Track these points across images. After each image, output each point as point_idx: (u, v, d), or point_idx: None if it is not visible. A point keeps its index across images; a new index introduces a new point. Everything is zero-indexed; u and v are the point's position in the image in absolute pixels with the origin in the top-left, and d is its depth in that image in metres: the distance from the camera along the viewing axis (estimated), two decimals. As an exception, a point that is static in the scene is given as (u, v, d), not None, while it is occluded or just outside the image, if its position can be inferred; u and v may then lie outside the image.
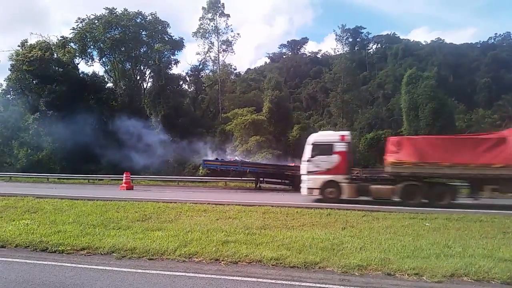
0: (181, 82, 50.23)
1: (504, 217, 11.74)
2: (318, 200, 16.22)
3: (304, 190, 16.74)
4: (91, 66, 72.80)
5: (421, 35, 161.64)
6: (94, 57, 47.54)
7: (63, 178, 31.47)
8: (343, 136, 16.76)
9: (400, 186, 15.30)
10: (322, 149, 16.49)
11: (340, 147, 16.32)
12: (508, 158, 14.18)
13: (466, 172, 14.64)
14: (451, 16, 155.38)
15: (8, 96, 45.28)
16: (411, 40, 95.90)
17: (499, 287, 6.08)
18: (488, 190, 14.67)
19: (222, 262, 7.16)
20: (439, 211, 13.05)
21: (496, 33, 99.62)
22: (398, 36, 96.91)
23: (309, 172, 16.53)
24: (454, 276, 6.38)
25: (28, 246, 8.27)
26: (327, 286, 5.97)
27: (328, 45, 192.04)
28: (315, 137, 17.22)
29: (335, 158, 16.23)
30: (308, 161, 16.61)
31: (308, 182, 16.52)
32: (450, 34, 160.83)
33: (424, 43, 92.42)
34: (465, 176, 15.08)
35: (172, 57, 47.67)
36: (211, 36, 48.82)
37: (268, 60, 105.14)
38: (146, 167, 33.26)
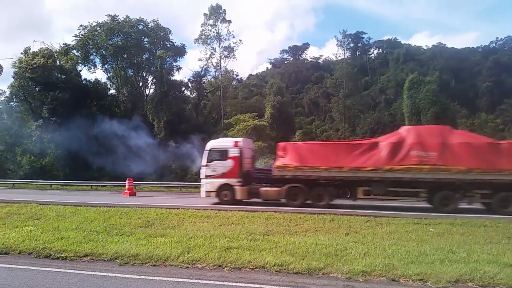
0: (183, 88, 50.34)
1: (508, 222, 11.70)
2: (216, 203, 17.17)
3: (202, 193, 17.97)
4: (94, 73, 73.34)
5: (423, 40, 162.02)
6: (97, 64, 47.82)
7: (66, 185, 31.56)
8: (236, 142, 18.03)
9: (284, 188, 16.54)
10: (218, 154, 17.76)
11: (233, 152, 17.54)
12: (378, 162, 15.38)
13: (340, 174, 15.82)
14: (452, 21, 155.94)
15: (11, 103, 45.56)
16: (412, 45, 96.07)
17: (505, 293, 6.02)
18: (361, 191, 15.79)
19: (225, 268, 7.13)
20: (443, 216, 13.02)
21: (497, 37, 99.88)
22: (399, 41, 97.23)
23: (207, 176, 17.77)
24: (459, 281, 6.33)
25: (32, 252, 8.26)
26: (331, 292, 5.94)
27: (329, 50, 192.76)
28: (212, 144, 18.53)
29: (229, 163, 17.45)
30: (205, 166, 17.85)
31: (206, 185, 17.79)
32: (451, 38, 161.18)
33: (425, 48, 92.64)
34: (340, 178, 16.02)
35: (174, 64, 47.86)
36: (213, 42, 49.00)
37: (269, 66, 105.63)
38: (149, 173, 33.29)
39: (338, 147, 17.09)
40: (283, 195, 16.60)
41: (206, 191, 17.71)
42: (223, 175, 17.42)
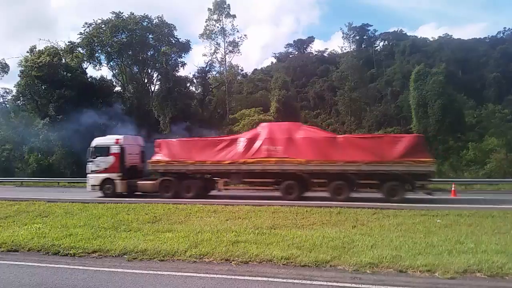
0: (188, 84, 50.26)
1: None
2: (102, 196, 18.53)
3: (88, 187, 19.43)
4: (99, 71, 73.25)
5: (429, 31, 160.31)
6: (102, 61, 47.75)
7: (73, 182, 31.73)
8: (117, 139, 19.34)
9: (158, 181, 18.18)
10: (101, 151, 19.15)
11: (115, 149, 19.03)
12: (235, 156, 17.12)
13: (204, 168, 17.68)
14: (459, 11, 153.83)
15: (18, 102, 45.77)
16: (419, 37, 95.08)
17: (514, 283, 5.98)
18: (221, 182, 17.77)
19: (233, 262, 7.16)
20: (449, 207, 12.97)
21: (505, 27, 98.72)
22: (405, 33, 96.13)
23: (92, 171, 19.23)
24: (467, 272, 6.31)
25: (40, 249, 8.35)
26: (338, 284, 5.93)
27: (335, 43, 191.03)
28: (96, 141, 19.74)
29: (111, 159, 18.95)
30: (90, 161, 19.26)
31: (91, 180, 19.26)
32: (458, 29, 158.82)
33: (431, 39, 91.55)
34: (204, 171, 17.92)
35: (179, 60, 47.70)
36: (217, 37, 48.75)
37: (274, 60, 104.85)
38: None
39: (203, 143, 18.42)
40: (157, 188, 18.13)
41: (92, 185, 19.20)
42: (105, 170, 18.93)
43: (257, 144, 17.06)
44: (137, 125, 31.58)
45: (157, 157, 18.34)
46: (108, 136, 20.41)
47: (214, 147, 17.68)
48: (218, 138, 19.21)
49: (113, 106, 37.20)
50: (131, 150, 19.54)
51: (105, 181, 18.81)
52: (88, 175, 19.41)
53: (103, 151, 19.05)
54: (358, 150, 15.83)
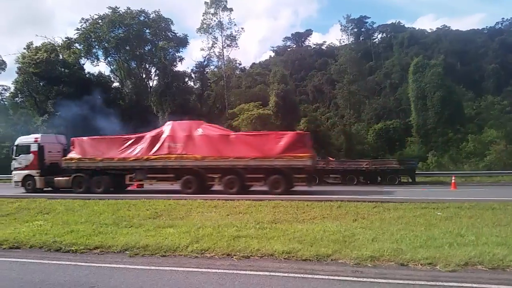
0: (186, 79, 50.21)
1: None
2: (24, 192, 19.62)
3: (13, 183, 20.65)
4: (97, 66, 73.19)
5: (427, 23, 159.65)
6: (100, 57, 47.76)
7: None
8: (36, 138, 20.52)
9: (71, 177, 19.13)
10: (23, 149, 20.39)
11: (34, 147, 20.14)
12: (139, 153, 18.20)
13: (112, 164, 18.55)
14: (457, 2, 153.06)
15: (16, 99, 45.67)
16: (417, 28, 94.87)
17: (514, 275, 5.99)
18: (127, 178, 18.68)
19: (234, 257, 7.17)
20: (451, 200, 13.02)
21: (503, 18, 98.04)
22: (403, 25, 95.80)
23: (15, 168, 20.43)
24: (468, 264, 6.32)
25: (42, 246, 8.35)
26: (340, 278, 5.94)
27: (333, 36, 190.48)
28: (19, 140, 21.18)
29: (31, 157, 20.09)
30: (14, 159, 20.50)
31: (14, 176, 20.48)
32: (456, 21, 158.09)
33: (429, 31, 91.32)
34: (111, 168, 18.71)
35: (176, 54, 47.68)
36: (215, 31, 48.58)
37: (272, 54, 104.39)
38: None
39: (111, 141, 19.43)
40: (71, 184, 19.17)
41: (15, 181, 20.45)
42: (26, 167, 20.11)
43: (160, 141, 18.21)
44: (135, 120, 31.60)
45: (71, 154, 19.48)
46: (29, 136, 21.53)
47: (121, 144, 18.75)
48: (125, 136, 20.04)
49: (92, 95, 36.77)
50: (51, 148, 20.76)
51: (26, 177, 20.02)
52: (12, 172, 20.66)
53: (24, 149, 20.33)
54: (247, 147, 17.14)
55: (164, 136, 18.29)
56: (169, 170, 17.82)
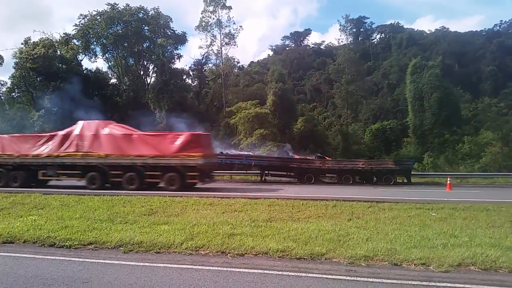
0: (184, 77, 50.11)
1: (511, 206, 11.68)
2: None
3: None
4: (95, 63, 72.84)
5: (426, 24, 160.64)
6: (97, 53, 47.43)
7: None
8: None
9: None
10: None
11: None
12: (51, 150, 19.15)
13: (27, 160, 19.58)
14: (456, 4, 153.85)
15: (13, 94, 45.40)
16: (415, 29, 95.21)
17: (507, 276, 6.02)
18: (40, 174, 19.54)
19: (229, 255, 7.18)
20: (446, 200, 13.07)
21: (501, 20, 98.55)
22: (402, 25, 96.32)
23: None
24: (461, 265, 6.36)
25: (36, 241, 8.32)
26: (333, 277, 5.95)
27: (332, 36, 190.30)
28: None
29: None
30: None
31: None
32: (455, 22, 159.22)
33: (428, 32, 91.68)
34: (27, 164, 19.62)
35: (175, 52, 47.54)
36: (213, 29, 48.58)
37: (271, 53, 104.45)
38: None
39: (27, 139, 20.39)
40: None
41: None
42: None
43: (69, 140, 19.19)
44: (132, 117, 31.48)
45: None
46: None
47: (36, 142, 19.73)
48: (39, 134, 21.21)
49: (73, 84, 36.29)
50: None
51: None
52: None
53: None
54: (147, 146, 18.23)
55: (73, 134, 19.27)
56: (77, 167, 18.91)
